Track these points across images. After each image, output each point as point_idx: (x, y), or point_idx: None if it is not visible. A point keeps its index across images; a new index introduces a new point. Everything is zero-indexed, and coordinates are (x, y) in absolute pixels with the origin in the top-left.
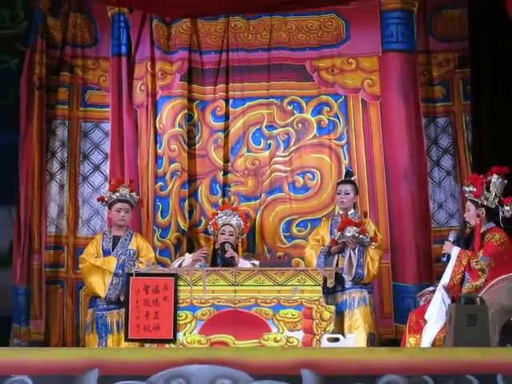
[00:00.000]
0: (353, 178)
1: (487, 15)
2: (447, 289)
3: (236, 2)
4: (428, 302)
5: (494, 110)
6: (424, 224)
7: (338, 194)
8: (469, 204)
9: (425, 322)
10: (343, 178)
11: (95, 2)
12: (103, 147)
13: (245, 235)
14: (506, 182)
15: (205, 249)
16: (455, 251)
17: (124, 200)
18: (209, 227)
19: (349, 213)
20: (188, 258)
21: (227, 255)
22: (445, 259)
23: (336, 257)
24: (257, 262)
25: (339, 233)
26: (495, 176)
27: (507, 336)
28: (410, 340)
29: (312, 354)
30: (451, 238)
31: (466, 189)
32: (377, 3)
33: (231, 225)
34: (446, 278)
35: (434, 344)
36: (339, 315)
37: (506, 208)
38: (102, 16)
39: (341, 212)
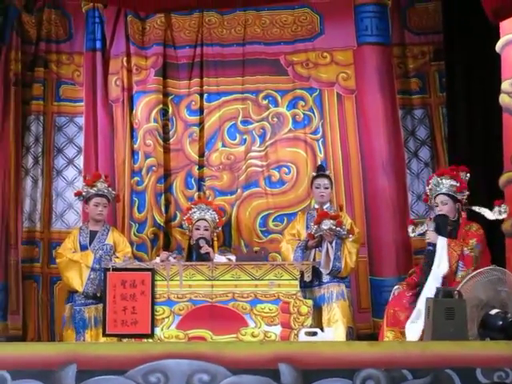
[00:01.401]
0: (327, 173)
1: (461, 8)
2: (445, 277)
3: None
4: (401, 292)
5: (468, 102)
6: (402, 216)
7: (317, 188)
8: (446, 198)
9: (404, 314)
10: (318, 171)
11: None
12: (77, 141)
13: (220, 229)
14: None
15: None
16: (442, 241)
17: (102, 195)
18: (183, 222)
19: (324, 207)
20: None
21: (202, 251)
22: (431, 248)
23: (313, 251)
24: (233, 257)
25: (316, 226)
26: (464, 173)
27: (485, 330)
28: (388, 334)
29: (290, 348)
30: (432, 228)
31: (446, 182)
32: None
33: (206, 220)
34: (443, 268)
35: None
36: (317, 310)
37: (496, 209)
38: (77, 11)
39: (316, 206)
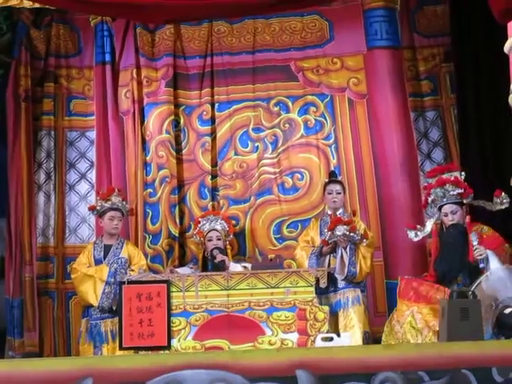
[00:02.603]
0: (339, 178)
1: (469, 10)
2: None
3: (218, 7)
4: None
5: (478, 103)
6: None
7: (330, 193)
8: (455, 207)
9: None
10: (330, 178)
11: (78, 12)
12: (89, 155)
13: (232, 236)
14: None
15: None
16: (492, 253)
17: (116, 208)
18: (194, 236)
19: (338, 212)
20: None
21: (217, 260)
22: (483, 265)
23: (328, 257)
24: (248, 265)
25: (330, 232)
26: (458, 173)
27: (500, 329)
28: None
29: (306, 354)
30: (475, 241)
31: (451, 191)
32: (359, 2)
33: (216, 230)
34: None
35: None
36: (333, 316)
37: (497, 200)
38: (85, 25)
39: (329, 212)
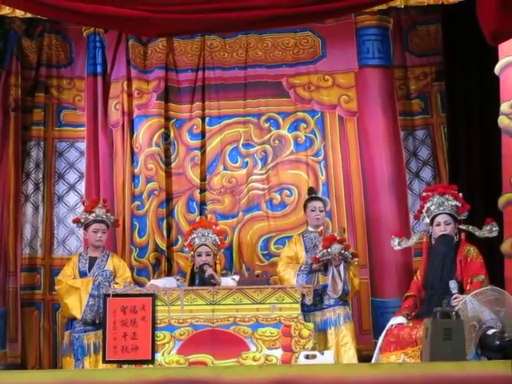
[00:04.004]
0: (319, 195)
1: (461, 31)
2: None
3: (211, 22)
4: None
5: (468, 123)
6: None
7: (313, 211)
8: (449, 218)
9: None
10: (310, 194)
11: (70, 23)
12: (78, 166)
13: (222, 251)
14: None
15: None
16: (470, 299)
17: (100, 220)
18: (185, 248)
19: (319, 229)
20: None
21: (207, 274)
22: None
23: (316, 274)
24: (236, 277)
25: (324, 250)
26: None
27: (483, 350)
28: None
29: (289, 372)
30: (455, 290)
31: (449, 202)
32: (352, 20)
33: (207, 245)
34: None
35: None
36: (322, 333)
37: (487, 228)
38: (78, 36)
39: (311, 229)
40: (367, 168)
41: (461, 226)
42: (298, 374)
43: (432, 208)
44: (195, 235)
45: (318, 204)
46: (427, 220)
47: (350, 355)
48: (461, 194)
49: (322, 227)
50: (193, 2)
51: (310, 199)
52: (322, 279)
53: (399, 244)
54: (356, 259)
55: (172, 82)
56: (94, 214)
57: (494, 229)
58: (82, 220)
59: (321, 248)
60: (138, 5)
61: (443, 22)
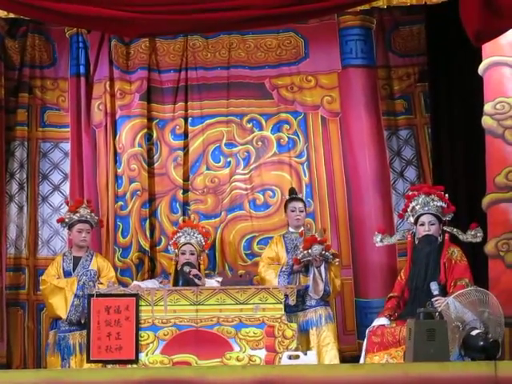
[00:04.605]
0: (300, 195)
1: (444, 31)
2: None
3: (193, 22)
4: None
5: (452, 124)
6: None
7: (293, 211)
8: (433, 218)
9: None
10: (290, 195)
11: (53, 24)
12: (63, 167)
13: (207, 251)
14: None
15: None
16: (453, 301)
17: (84, 221)
18: (169, 247)
19: (299, 230)
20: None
21: (191, 274)
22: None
23: (297, 275)
24: (220, 279)
25: (305, 251)
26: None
27: (467, 351)
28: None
29: (272, 372)
30: (436, 291)
31: (434, 202)
32: (335, 21)
33: (191, 244)
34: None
35: None
36: (305, 334)
37: (471, 233)
38: (61, 37)
39: (292, 230)
40: (350, 168)
41: (445, 228)
42: (281, 374)
43: (417, 207)
44: (181, 234)
45: (298, 204)
46: (411, 219)
47: (331, 356)
48: (447, 195)
49: (302, 228)
50: (177, 3)
51: (291, 200)
52: (303, 280)
53: (381, 240)
54: (337, 260)
55: (155, 82)
56: (78, 214)
57: (479, 234)
58: (67, 220)
59: (301, 249)
60: (122, 6)
61: (426, 22)
